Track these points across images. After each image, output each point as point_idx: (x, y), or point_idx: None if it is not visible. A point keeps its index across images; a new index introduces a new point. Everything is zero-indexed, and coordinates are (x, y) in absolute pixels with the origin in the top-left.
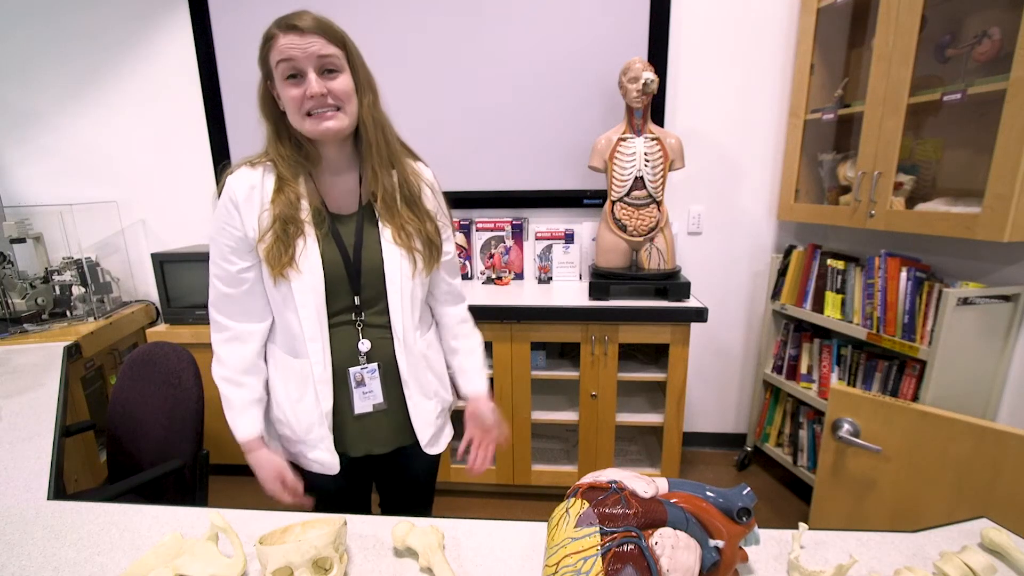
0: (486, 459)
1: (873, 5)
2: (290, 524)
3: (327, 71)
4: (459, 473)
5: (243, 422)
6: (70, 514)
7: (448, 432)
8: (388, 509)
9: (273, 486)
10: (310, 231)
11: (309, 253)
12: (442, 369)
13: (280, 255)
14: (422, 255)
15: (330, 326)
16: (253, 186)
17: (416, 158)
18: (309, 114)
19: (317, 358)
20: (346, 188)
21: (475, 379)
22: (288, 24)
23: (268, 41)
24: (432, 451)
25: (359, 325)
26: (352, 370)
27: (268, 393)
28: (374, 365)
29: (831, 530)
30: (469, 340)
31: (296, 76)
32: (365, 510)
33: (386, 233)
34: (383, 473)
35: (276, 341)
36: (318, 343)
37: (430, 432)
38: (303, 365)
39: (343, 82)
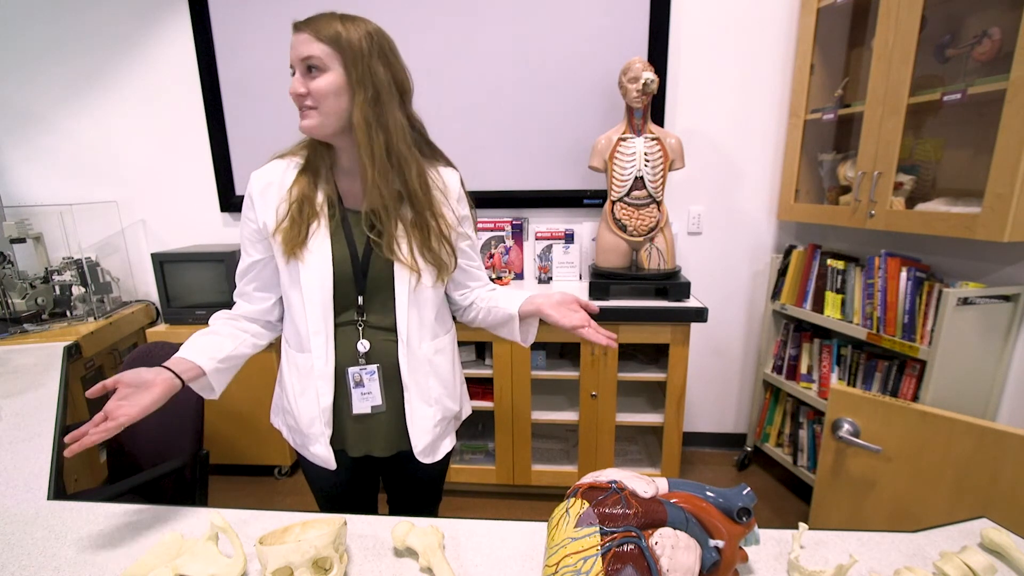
0: (599, 331)
1: (873, 5)
2: (290, 524)
3: (311, 69)
4: (459, 473)
5: (186, 346)
6: (70, 514)
7: (448, 443)
8: (395, 508)
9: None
10: (324, 220)
11: (320, 241)
12: (450, 377)
13: (295, 235)
14: (424, 271)
15: (336, 324)
16: (270, 183)
17: (441, 162)
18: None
19: (320, 353)
20: (357, 187)
21: (514, 298)
22: (294, 22)
23: None
24: (426, 460)
25: (360, 325)
26: (351, 370)
27: (278, 383)
28: (373, 367)
29: (831, 530)
30: (499, 289)
31: (294, 73)
32: (371, 509)
33: (392, 239)
34: (388, 474)
35: (286, 336)
36: (321, 338)
37: (426, 440)
38: (307, 359)
39: (322, 81)
